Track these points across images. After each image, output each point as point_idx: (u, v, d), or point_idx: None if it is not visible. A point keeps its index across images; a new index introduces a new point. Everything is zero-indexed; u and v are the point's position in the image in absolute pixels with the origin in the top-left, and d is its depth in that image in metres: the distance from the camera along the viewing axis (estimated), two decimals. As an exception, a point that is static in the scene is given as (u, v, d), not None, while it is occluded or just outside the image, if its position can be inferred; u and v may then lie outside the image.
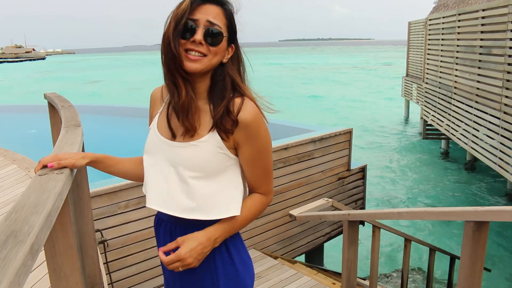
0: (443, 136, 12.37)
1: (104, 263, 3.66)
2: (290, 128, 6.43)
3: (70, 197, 1.68)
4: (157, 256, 4.04)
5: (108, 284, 3.71)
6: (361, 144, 14.84)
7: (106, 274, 3.72)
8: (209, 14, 1.24)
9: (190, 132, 1.28)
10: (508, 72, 6.74)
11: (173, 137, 1.31)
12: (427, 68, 12.12)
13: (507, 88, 6.78)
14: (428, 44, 11.94)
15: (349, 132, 5.97)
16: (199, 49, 1.23)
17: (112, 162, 1.43)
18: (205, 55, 1.24)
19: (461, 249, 1.74)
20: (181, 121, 1.28)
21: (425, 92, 12.32)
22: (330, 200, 3.30)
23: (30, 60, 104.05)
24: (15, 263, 0.66)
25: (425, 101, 12.47)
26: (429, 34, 11.82)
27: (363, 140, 15.60)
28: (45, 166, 1.22)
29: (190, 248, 1.23)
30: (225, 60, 1.31)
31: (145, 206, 3.89)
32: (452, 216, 1.81)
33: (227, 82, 1.30)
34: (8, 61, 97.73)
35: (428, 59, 12.08)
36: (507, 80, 6.77)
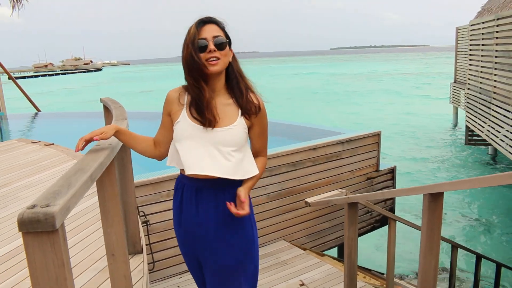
0: (485, 142, 12.27)
1: (146, 244, 4.25)
2: (318, 131, 6.85)
3: (116, 166, 2.23)
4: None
5: (149, 263, 4.28)
6: (401, 148, 14.93)
7: (148, 254, 4.31)
8: (212, 31, 1.78)
9: (213, 122, 1.79)
10: (541, 76, 6.83)
11: (204, 126, 1.80)
12: (469, 74, 12.11)
13: (540, 92, 6.87)
14: (470, 50, 11.95)
15: (378, 135, 6.31)
16: (214, 55, 1.76)
17: (131, 137, 1.89)
18: (219, 59, 1.77)
19: (422, 219, 2.13)
20: (206, 114, 1.79)
21: (467, 97, 12.30)
22: (344, 191, 3.71)
23: (88, 71, 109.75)
24: (82, 179, 1.19)
25: (467, 106, 12.44)
26: (471, 40, 11.84)
27: (405, 145, 15.65)
28: (87, 142, 1.72)
29: (247, 194, 1.81)
30: (230, 59, 1.84)
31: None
32: (415, 191, 2.20)
33: (239, 78, 1.85)
34: (68, 73, 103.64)
35: (470, 64, 12.07)
36: (540, 84, 6.86)
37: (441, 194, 2.05)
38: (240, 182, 1.85)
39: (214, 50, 1.74)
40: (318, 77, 55.00)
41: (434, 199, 2.06)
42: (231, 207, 1.75)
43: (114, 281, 1.84)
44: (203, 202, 1.86)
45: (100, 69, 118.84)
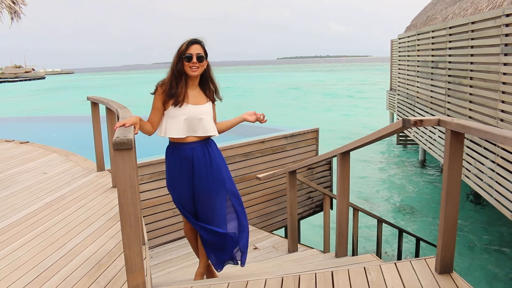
0: (413, 142, 13.85)
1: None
2: (266, 129, 7.90)
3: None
4: (163, 219, 5.40)
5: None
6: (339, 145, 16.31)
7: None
8: (196, 49, 2.75)
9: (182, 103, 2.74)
10: (449, 82, 8.23)
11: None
12: (399, 81, 13.66)
13: (448, 95, 8.26)
14: (399, 60, 13.51)
15: (316, 131, 7.42)
16: (195, 65, 2.72)
17: (143, 122, 2.76)
18: (197, 67, 2.70)
19: (336, 172, 3.15)
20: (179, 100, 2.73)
21: (398, 102, 13.83)
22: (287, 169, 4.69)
23: (30, 79, 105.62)
24: (131, 130, 2.09)
25: (398, 110, 13.98)
26: (399, 51, 13.39)
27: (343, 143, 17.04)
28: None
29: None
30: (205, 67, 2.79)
31: (155, 180, 5.31)
32: (332, 153, 3.21)
33: (209, 80, 2.79)
34: (8, 81, 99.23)
35: (399, 73, 13.63)
36: (448, 89, 8.25)
37: (347, 153, 3.08)
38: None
39: (195, 62, 2.71)
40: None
41: (344, 157, 3.09)
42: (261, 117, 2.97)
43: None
44: (198, 155, 2.78)
45: (43, 77, 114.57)
